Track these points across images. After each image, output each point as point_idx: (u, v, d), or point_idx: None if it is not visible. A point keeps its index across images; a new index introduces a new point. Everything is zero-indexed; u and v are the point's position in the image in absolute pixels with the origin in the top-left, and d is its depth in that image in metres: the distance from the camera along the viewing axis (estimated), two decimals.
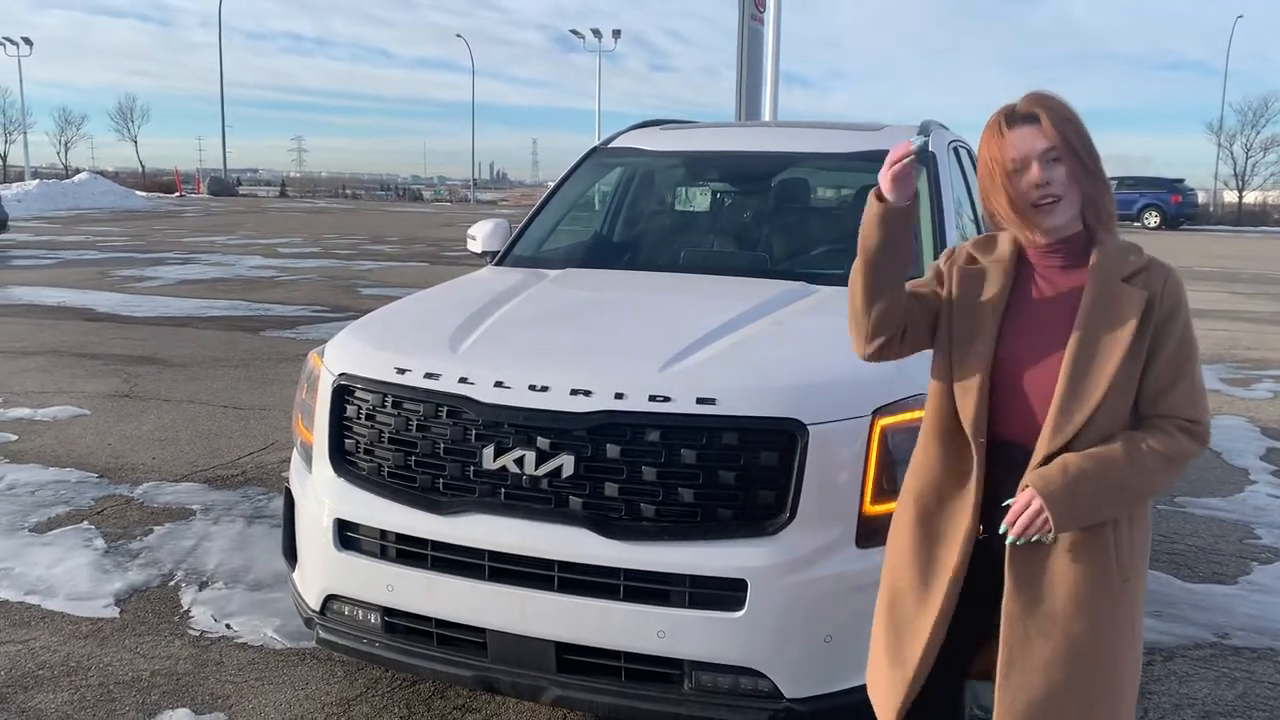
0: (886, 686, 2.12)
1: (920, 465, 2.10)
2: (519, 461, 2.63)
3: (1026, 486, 1.90)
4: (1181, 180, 36.94)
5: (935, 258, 3.68)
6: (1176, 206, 35.61)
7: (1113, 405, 1.90)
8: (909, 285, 2.10)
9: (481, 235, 4.40)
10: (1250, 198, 47.92)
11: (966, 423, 2.00)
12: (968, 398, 2.00)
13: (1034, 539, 1.91)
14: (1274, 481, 5.85)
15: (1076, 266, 1.98)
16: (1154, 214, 35.20)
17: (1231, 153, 48.10)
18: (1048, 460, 1.91)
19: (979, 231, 4.83)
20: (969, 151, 5.18)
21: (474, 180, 67.45)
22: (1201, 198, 42.07)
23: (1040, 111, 1.94)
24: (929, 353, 2.13)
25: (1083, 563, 1.92)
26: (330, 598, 2.94)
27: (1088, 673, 1.94)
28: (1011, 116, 1.97)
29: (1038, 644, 1.94)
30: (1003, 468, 1.97)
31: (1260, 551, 4.73)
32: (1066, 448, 1.90)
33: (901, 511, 2.13)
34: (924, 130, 4.40)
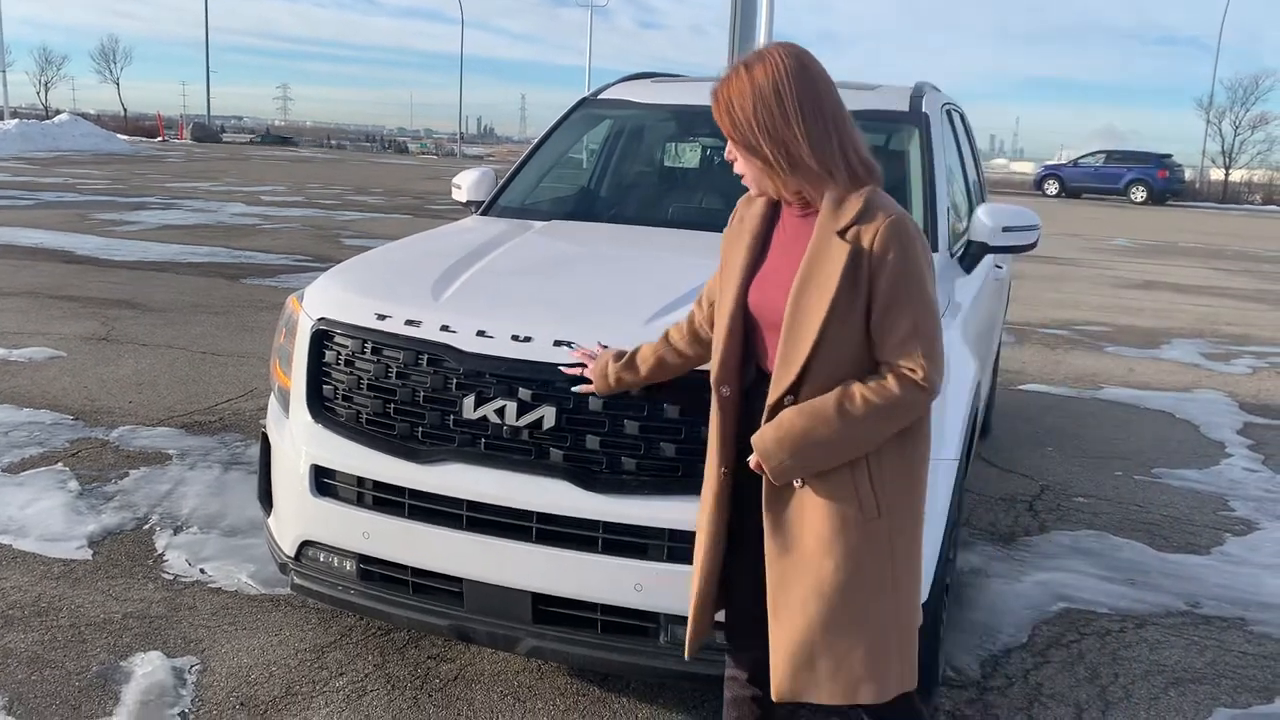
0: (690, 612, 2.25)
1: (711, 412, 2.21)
2: (500, 412, 2.60)
3: None
4: (1169, 156, 36.94)
5: (925, 224, 3.69)
6: (1163, 182, 35.60)
7: (829, 355, 1.95)
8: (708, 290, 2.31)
9: (467, 184, 4.32)
10: (1236, 175, 47.98)
11: (712, 374, 2.13)
12: (716, 351, 2.12)
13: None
14: (1249, 455, 5.90)
15: (811, 217, 2.04)
16: (1140, 188, 35.17)
17: (1220, 130, 48.08)
18: (778, 407, 2.00)
19: (969, 198, 4.80)
20: (962, 116, 5.13)
21: (461, 134, 66.60)
22: (1189, 174, 42.10)
23: (712, 100, 2.04)
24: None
25: (826, 503, 2.00)
26: (305, 544, 2.92)
27: (842, 609, 2.00)
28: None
29: (795, 584, 2.03)
30: (763, 401, 2.06)
31: (1234, 523, 4.77)
32: (794, 393, 1.98)
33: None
34: (918, 91, 4.36)
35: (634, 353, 2.42)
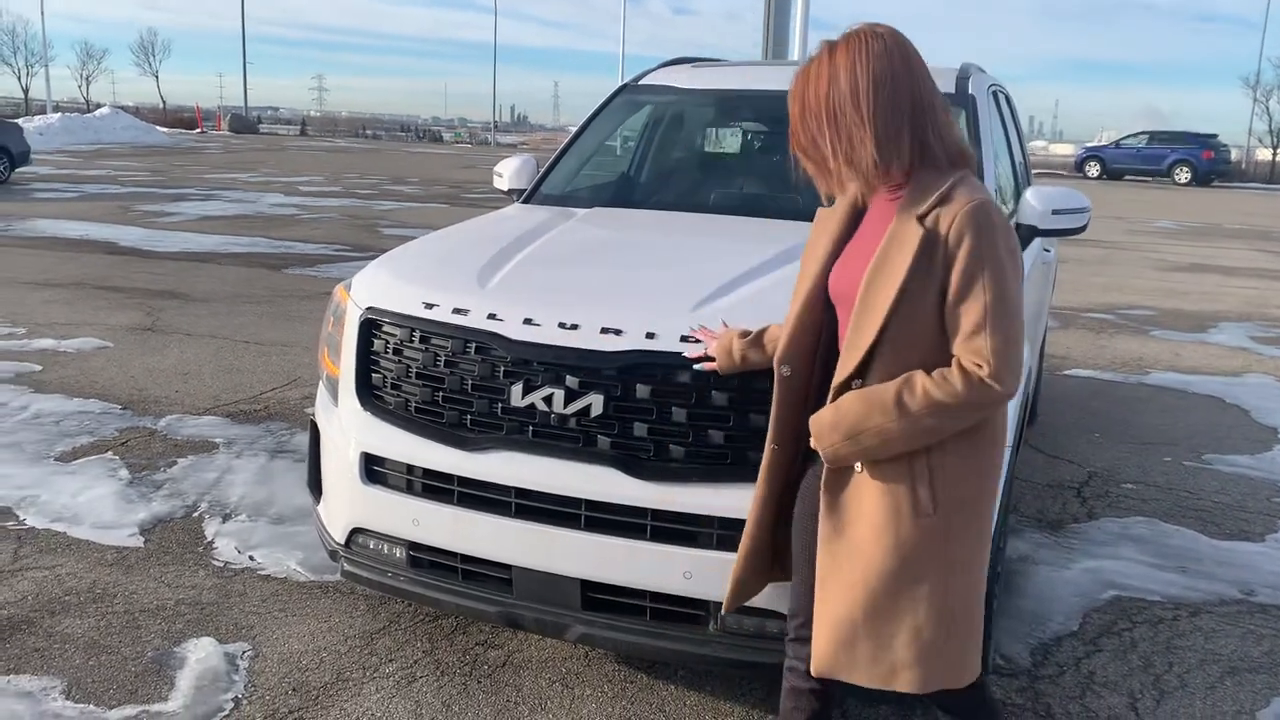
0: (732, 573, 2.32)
1: None
2: (547, 400, 2.60)
3: None
4: (1214, 136, 36.18)
5: None
6: (1208, 163, 34.90)
7: (897, 342, 1.90)
8: None
9: (509, 172, 4.32)
10: None
11: (776, 352, 2.13)
12: (785, 329, 2.12)
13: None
14: None
15: (900, 201, 1.98)
16: (1185, 169, 34.53)
17: (1268, 108, 47.04)
18: (843, 389, 1.97)
19: (1015, 180, 4.73)
20: (1007, 97, 5.06)
21: (495, 123, 66.69)
22: (1234, 155, 41.24)
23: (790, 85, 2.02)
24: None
25: (881, 493, 1.95)
26: (355, 531, 2.94)
27: (888, 598, 1.97)
28: None
29: (844, 567, 2.00)
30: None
31: None
32: (862, 376, 1.94)
33: None
34: (964, 73, 4.29)
35: (761, 332, 2.35)
